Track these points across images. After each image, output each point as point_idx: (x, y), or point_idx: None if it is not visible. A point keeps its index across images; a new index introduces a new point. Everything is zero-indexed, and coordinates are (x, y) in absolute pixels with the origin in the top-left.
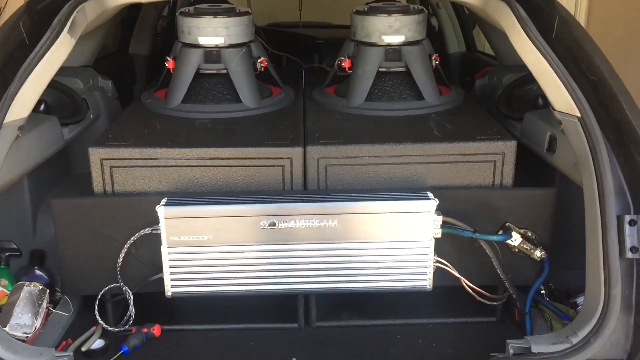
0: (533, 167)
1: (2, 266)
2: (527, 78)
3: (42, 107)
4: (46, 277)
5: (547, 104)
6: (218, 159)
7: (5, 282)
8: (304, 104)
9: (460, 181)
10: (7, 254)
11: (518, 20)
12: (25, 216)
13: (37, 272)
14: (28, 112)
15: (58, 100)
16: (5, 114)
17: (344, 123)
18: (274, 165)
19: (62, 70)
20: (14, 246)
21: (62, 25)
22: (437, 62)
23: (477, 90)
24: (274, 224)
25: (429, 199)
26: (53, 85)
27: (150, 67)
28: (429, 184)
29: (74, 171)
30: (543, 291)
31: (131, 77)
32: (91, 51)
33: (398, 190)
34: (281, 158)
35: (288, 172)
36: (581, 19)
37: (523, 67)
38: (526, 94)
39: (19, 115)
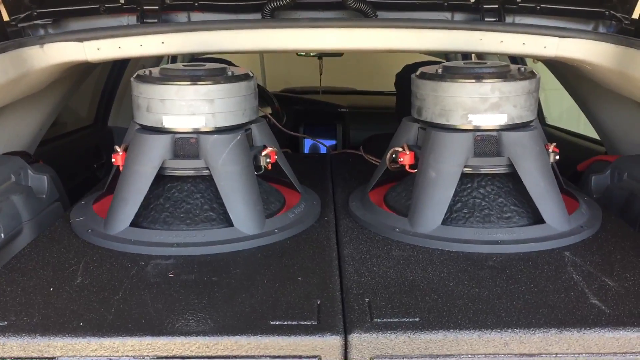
0: None
1: None
2: None
3: None
4: None
5: None
6: (194, 358)
7: None
8: (337, 223)
9: None
10: None
11: None
12: None
13: None
14: None
15: None
16: None
17: (411, 270)
18: None
19: None
20: None
21: None
22: (557, 157)
23: (594, 193)
24: None
25: None
26: None
27: None
28: None
29: None
30: None
31: None
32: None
33: None
34: (302, 357)
35: None
36: None
37: None
38: None
39: None
